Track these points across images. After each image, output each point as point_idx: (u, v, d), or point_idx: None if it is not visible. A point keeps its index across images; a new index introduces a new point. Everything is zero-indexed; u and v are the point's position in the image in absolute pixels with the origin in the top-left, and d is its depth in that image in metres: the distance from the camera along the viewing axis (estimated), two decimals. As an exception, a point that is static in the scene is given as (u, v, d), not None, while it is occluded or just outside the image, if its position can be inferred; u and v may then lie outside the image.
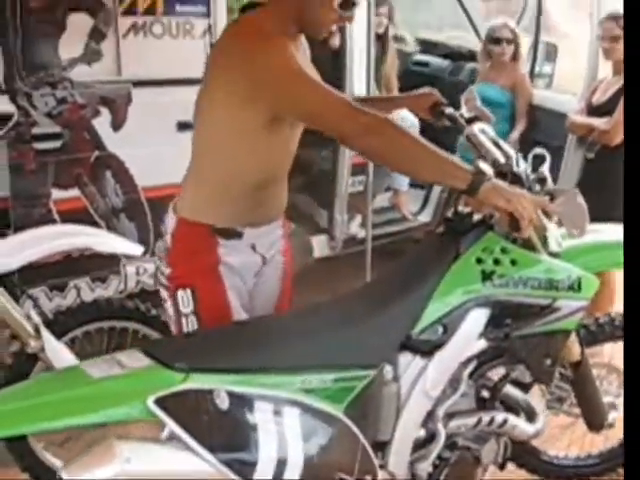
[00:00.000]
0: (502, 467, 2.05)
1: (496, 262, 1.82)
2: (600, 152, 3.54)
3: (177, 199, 2.01)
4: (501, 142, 1.99)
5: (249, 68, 1.75)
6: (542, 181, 1.87)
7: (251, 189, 1.93)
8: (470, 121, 2.09)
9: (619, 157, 3.43)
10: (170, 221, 1.99)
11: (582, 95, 3.85)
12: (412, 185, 4.56)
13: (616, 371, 2.60)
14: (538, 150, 1.99)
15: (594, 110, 3.59)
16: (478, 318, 1.81)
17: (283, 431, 1.50)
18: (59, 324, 2.56)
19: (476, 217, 1.88)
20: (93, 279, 3.22)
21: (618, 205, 3.36)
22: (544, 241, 1.88)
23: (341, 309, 1.85)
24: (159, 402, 1.40)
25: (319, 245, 4.12)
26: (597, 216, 2.46)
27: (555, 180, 3.85)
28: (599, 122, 3.48)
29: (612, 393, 2.55)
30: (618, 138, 3.37)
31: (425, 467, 1.83)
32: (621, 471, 2.84)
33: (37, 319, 2.50)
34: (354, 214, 4.20)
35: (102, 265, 3.19)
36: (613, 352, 2.78)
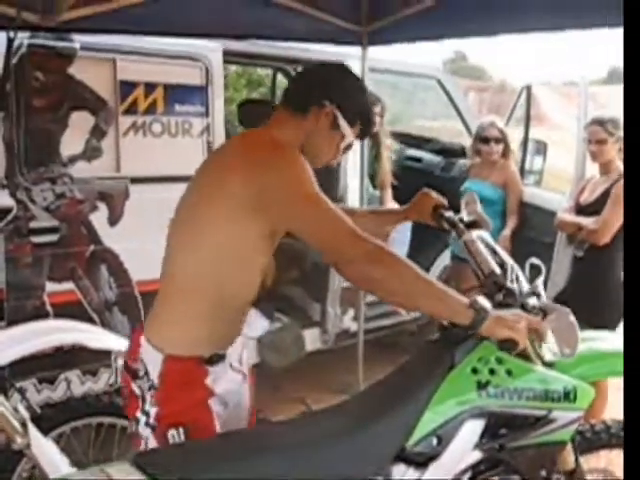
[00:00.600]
0: None
1: (492, 372, 1.81)
2: (589, 250, 3.58)
3: (151, 333, 1.88)
4: (498, 250, 2.02)
5: (259, 178, 1.74)
6: (535, 295, 1.89)
7: (240, 308, 1.93)
8: (469, 226, 2.12)
9: (607, 256, 3.51)
10: (151, 357, 1.86)
11: (570, 194, 3.93)
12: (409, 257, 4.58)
13: (612, 477, 2.56)
14: (534, 260, 2.03)
15: (582, 209, 3.66)
16: (473, 429, 1.79)
17: None
18: (47, 419, 2.54)
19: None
20: (84, 372, 3.22)
21: (608, 305, 3.43)
22: (538, 352, 1.88)
23: (332, 421, 1.81)
24: None
25: (312, 338, 4.13)
26: (587, 315, 2.50)
27: (547, 276, 3.91)
28: (587, 221, 3.55)
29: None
30: (606, 237, 3.43)
31: None
32: None
33: (24, 414, 2.48)
34: (347, 308, 4.23)
35: (93, 358, 3.19)
36: (610, 458, 2.76)
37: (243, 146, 1.89)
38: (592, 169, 3.87)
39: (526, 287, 1.90)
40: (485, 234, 2.08)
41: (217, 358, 1.90)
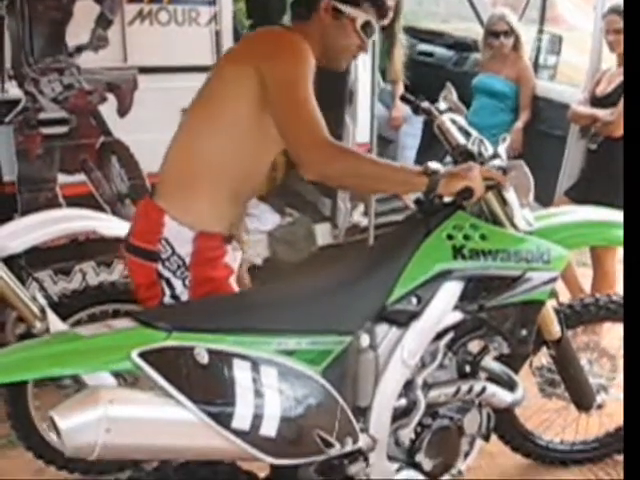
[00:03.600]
0: (487, 438, 2.13)
1: (466, 237, 1.93)
2: (603, 143, 3.55)
3: (178, 212, 1.90)
4: (467, 128, 2.14)
5: (264, 63, 1.83)
6: (496, 157, 2.03)
7: (253, 190, 2.04)
8: (443, 113, 2.19)
9: (622, 148, 3.47)
10: (177, 236, 1.89)
11: (585, 86, 3.86)
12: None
13: (607, 354, 2.65)
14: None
15: (598, 101, 3.60)
16: (451, 290, 1.91)
17: (260, 387, 1.58)
18: (64, 306, 2.61)
19: (446, 199, 1.98)
20: (98, 263, 3.28)
21: (621, 197, 3.42)
22: (512, 220, 2.02)
23: (318, 281, 1.94)
24: (142, 356, 1.48)
25: (322, 233, 4.16)
26: (600, 205, 2.53)
27: (558, 169, 3.90)
28: (603, 113, 3.50)
29: (603, 376, 2.61)
30: (621, 130, 3.38)
31: (407, 433, 1.91)
32: (616, 457, 2.89)
33: (43, 301, 2.55)
34: (357, 203, 4.23)
35: (107, 250, 3.22)
36: (605, 335, 2.84)
37: (257, 37, 2.00)
38: (608, 62, 3.80)
39: (490, 151, 2.04)
40: (458, 117, 2.18)
41: (231, 238, 1.98)
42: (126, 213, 3.25)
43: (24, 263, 2.90)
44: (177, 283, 1.91)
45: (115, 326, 1.60)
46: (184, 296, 1.92)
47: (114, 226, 2.64)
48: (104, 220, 2.69)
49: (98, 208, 3.13)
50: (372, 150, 4.05)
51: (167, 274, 1.90)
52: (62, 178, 3.14)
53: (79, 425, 1.41)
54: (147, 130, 3.18)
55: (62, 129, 3.11)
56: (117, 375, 2.22)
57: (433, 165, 1.85)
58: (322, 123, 1.80)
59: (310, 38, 1.92)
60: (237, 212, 2.01)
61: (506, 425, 2.66)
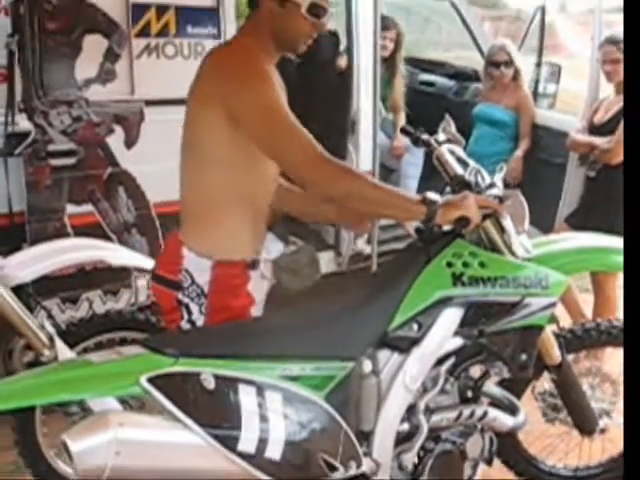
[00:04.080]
0: (489, 462, 2.15)
1: (465, 265, 1.98)
2: (602, 171, 3.60)
3: (195, 243, 1.97)
4: (465, 158, 2.19)
5: (229, 97, 1.83)
6: (492, 186, 2.07)
7: (265, 211, 2.06)
8: (442, 144, 2.24)
9: (620, 176, 3.52)
10: (196, 267, 1.95)
11: (583, 114, 3.92)
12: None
13: (609, 379, 2.67)
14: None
15: (596, 129, 3.66)
16: (451, 316, 1.95)
17: (265, 412, 1.62)
18: (72, 335, 2.64)
19: (445, 227, 2.02)
20: (105, 292, 3.32)
21: (620, 224, 3.46)
22: (509, 247, 2.07)
23: (321, 309, 2.01)
24: (151, 381, 1.52)
25: (326, 261, 4.19)
26: (600, 231, 2.57)
27: (558, 197, 3.95)
28: (600, 141, 3.56)
29: (605, 400, 2.63)
30: (619, 157, 3.44)
31: (410, 458, 1.94)
32: (621, 483, 2.89)
33: (51, 329, 2.59)
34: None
35: (114, 278, 3.29)
36: (607, 360, 2.86)
37: (215, 62, 1.95)
38: (606, 91, 3.86)
39: (487, 180, 2.09)
40: (457, 148, 2.23)
41: (255, 264, 2.02)
42: (132, 243, 3.31)
43: (32, 292, 2.95)
44: (195, 309, 1.97)
45: (124, 353, 1.65)
46: (200, 322, 1.97)
47: (121, 255, 2.69)
48: (112, 250, 2.75)
49: (105, 238, 3.18)
50: (374, 178, 4.11)
51: (186, 300, 1.97)
52: (70, 208, 3.20)
53: (90, 448, 1.45)
54: (153, 161, 3.25)
55: (70, 160, 3.17)
56: (123, 401, 2.26)
57: (431, 195, 1.90)
58: (311, 138, 1.83)
59: (261, 28, 1.93)
60: (255, 235, 2.03)
61: (509, 450, 2.67)
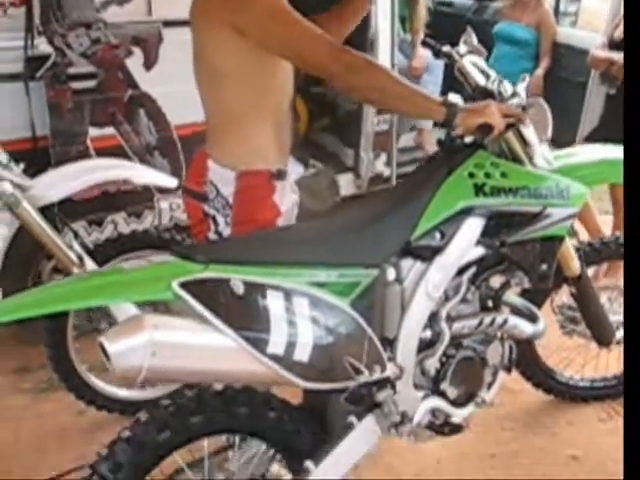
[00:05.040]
0: (509, 370, 2.20)
1: (487, 176, 1.99)
2: (622, 88, 3.55)
3: (219, 154, 2.00)
4: (487, 69, 2.17)
5: (235, 15, 1.80)
6: (515, 95, 2.06)
7: (287, 119, 2.04)
8: (464, 56, 2.23)
9: (641, 92, 3.48)
10: (221, 178, 1.99)
11: (604, 30, 3.86)
12: (435, 125, 4.61)
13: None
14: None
15: (616, 45, 3.59)
16: (473, 226, 1.98)
17: (293, 316, 1.66)
18: (100, 254, 2.70)
19: (467, 139, 2.04)
20: (129, 214, 3.37)
21: None
22: (531, 158, 2.09)
23: (346, 218, 2.01)
24: (182, 286, 1.56)
25: (345, 183, 4.22)
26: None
27: (579, 116, 3.92)
28: (620, 57, 3.50)
29: (622, 313, 2.68)
30: (640, 72, 3.39)
31: (432, 363, 2.00)
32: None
33: (79, 249, 2.65)
34: (379, 153, 4.28)
35: (137, 201, 3.34)
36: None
37: None
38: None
39: (509, 90, 2.07)
40: (478, 60, 2.21)
41: (281, 174, 2.03)
42: (155, 165, 3.34)
43: (59, 214, 3.01)
44: (221, 220, 2.03)
45: (154, 260, 1.69)
46: (226, 233, 2.03)
47: (145, 174, 2.73)
48: (135, 169, 2.78)
49: (128, 160, 3.21)
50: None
51: (212, 212, 2.03)
52: (93, 131, 3.22)
53: (127, 349, 1.50)
54: (173, 83, 3.23)
55: (91, 83, 3.17)
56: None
57: (453, 97, 1.90)
58: (324, 32, 1.83)
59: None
60: (278, 145, 2.03)
61: (528, 362, 2.75)
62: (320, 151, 4.38)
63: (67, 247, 2.59)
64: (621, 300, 2.70)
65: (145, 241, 2.78)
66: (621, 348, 2.74)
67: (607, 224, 3.91)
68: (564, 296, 2.71)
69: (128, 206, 3.35)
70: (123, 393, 2.88)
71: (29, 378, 3.16)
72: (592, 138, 3.71)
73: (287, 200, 2.06)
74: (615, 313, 2.67)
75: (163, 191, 3.32)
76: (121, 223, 3.36)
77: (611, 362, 2.88)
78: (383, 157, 4.28)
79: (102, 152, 3.18)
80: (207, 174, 2.02)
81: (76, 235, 2.83)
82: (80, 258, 2.59)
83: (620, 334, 2.65)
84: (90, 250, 2.70)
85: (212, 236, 2.06)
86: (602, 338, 2.64)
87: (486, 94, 2.05)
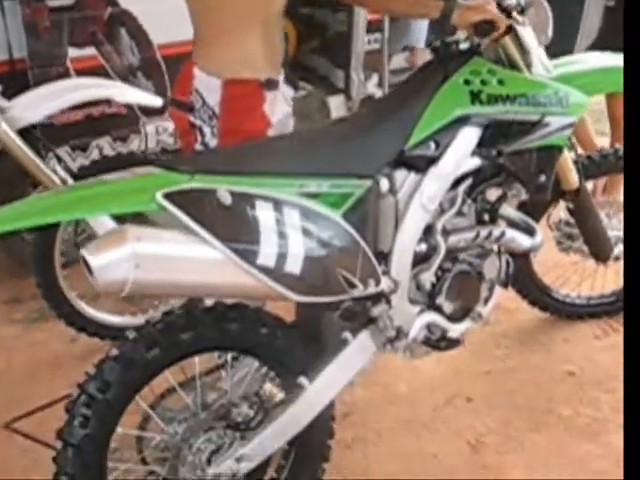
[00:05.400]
0: (505, 285, 2.17)
1: (483, 83, 1.92)
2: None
3: (205, 62, 1.93)
4: None
5: None
6: None
7: (278, 26, 1.95)
8: None
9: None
10: (207, 86, 1.92)
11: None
12: (429, 45, 4.49)
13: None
14: None
15: (618, -46, 3.46)
16: (469, 135, 1.91)
17: (284, 227, 1.60)
18: (85, 178, 2.59)
19: (462, 45, 1.96)
20: (114, 138, 3.29)
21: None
22: (529, 65, 2.01)
23: (337, 128, 1.95)
24: (167, 197, 1.49)
25: (336, 106, 4.12)
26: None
27: (577, 30, 3.81)
28: (622, -33, 3.37)
29: (621, 229, 2.64)
30: (640, -18, 3.27)
31: (428, 277, 1.95)
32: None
33: (63, 173, 2.58)
34: (371, 74, 4.17)
35: (122, 124, 3.25)
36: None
37: None
38: None
39: None
40: None
41: (272, 84, 1.94)
42: (139, 86, 3.22)
43: (43, 139, 2.92)
44: (207, 131, 1.95)
45: (138, 172, 1.62)
46: (213, 144, 1.96)
47: (129, 94, 2.64)
48: (119, 88, 2.68)
49: (110, 81, 3.10)
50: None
51: (198, 122, 1.96)
52: (72, 52, 3.12)
53: (110, 262, 1.44)
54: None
55: (68, 0, 3.05)
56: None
57: None
58: None
59: None
60: (267, 53, 1.94)
61: (524, 280, 2.71)
62: (310, 73, 4.26)
63: (51, 171, 2.52)
64: (620, 216, 2.64)
65: (131, 163, 2.67)
66: (618, 265, 2.70)
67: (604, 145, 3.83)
68: (561, 212, 2.66)
69: (113, 130, 3.27)
70: (115, 319, 2.85)
71: (20, 309, 3.14)
72: (591, 50, 3.60)
73: (279, 111, 1.97)
74: (614, 229, 2.62)
75: (149, 114, 3.23)
76: (106, 148, 3.28)
77: (608, 279, 2.84)
78: (375, 78, 4.17)
79: (83, 73, 3.08)
80: (193, 83, 1.94)
81: (60, 160, 2.75)
82: (64, 182, 2.52)
83: (618, 250, 2.60)
84: (75, 174, 2.63)
85: (199, 148, 1.98)
86: (600, 254, 2.59)
87: None
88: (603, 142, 3.85)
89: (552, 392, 2.60)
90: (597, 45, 3.58)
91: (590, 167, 2.51)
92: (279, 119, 1.97)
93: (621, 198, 2.73)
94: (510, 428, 2.45)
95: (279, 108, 1.97)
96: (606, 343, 2.84)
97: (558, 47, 2.32)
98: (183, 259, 1.53)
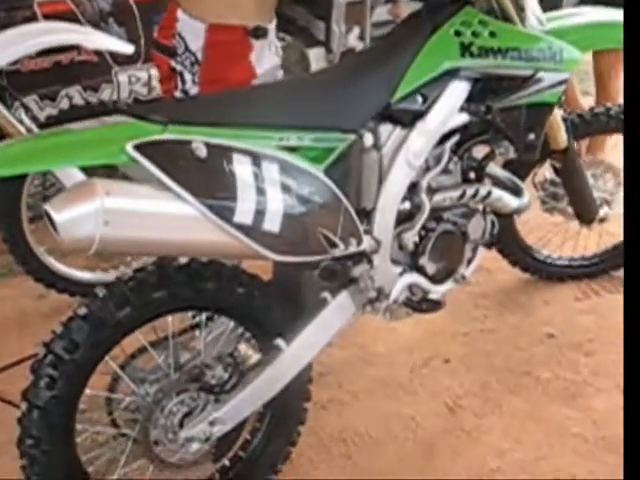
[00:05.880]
0: (490, 246, 2.13)
1: (475, 34, 1.84)
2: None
3: (189, 4, 1.84)
4: None
5: None
6: None
7: None
8: None
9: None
10: (191, 30, 1.84)
11: None
12: (413, -4, 4.37)
13: (612, 170, 2.61)
14: None
15: None
16: (458, 89, 1.84)
17: (262, 183, 1.52)
18: (52, 127, 2.51)
19: None
20: (85, 87, 3.16)
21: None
22: (522, 18, 1.93)
23: (320, 78, 1.87)
24: (138, 149, 1.40)
25: (316, 58, 3.98)
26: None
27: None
28: None
29: (607, 191, 2.59)
30: None
31: (411, 237, 1.88)
32: (613, 273, 2.92)
33: (30, 123, 2.48)
34: (352, 26, 4.03)
35: (93, 73, 3.13)
36: (610, 150, 2.80)
37: None
38: None
39: None
40: None
41: (260, 32, 1.86)
42: (111, 33, 3.08)
43: (7, 87, 2.79)
44: (188, 78, 1.87)
45: (107, 121, 1.51)
46: (193, 92, 1.87)
47: (97, 39, 2.51)
48: (89, 34, 2.55)
49: (80, 26, 2.96)
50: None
51: (180, 68, 1.87)
52: (40, -5, 2.97)
53: (76, 217, 1.35)
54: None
55: (35, -61, 2.90)
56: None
57: None
58: None
59: None
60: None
61: (506, 238, 2.65)
62: (289, 24, 4.10)
63: (17, 121, 2.40)
64: (607, 176, 2.59)
65: (102, 113, 2.56)
66: (601, 227, 2.66)
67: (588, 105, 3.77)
68: (546, 171, 2.60)
69: (84, 79, 3.15)
70: (85, 275, 2.77)
71: (-14, 264, 3.04)
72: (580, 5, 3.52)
73: (266, 61, 1.89)
74: (599, 190, 2.57)
75: (121, 63, 3.10)
76: (76, 97, 3.16)
77: (590, 241, 2.80)
78: (356, 31, 4.03)
79: (51, 18, 2.94)
80: (176, 26, 1.85)
81: (27, 110, 2.64)
82: (30, 132, 2.41)
83: (603, 212, 2.56)
84: (42, 124, 2.52)
85: (178, 95, 1.89)
86: (585, 215, 2.54)
87: None
88: (588, 101, 3.81)
89: (531, 354, 2.57)
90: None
91: (580, 126, 2.44)
92: (266, 70, 1.88)
93: (607, 158, 2.67)
94: (488, 390, 2.42)
95: (267, 58, 1.89)
96: (586, 305, 2.81)
97: (545, 4, 2.25)
98: (155, 215, 1.44)
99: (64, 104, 3.11)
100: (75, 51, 2.94)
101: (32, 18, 2.94)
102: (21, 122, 2.45)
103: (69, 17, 2.99)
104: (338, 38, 4.02)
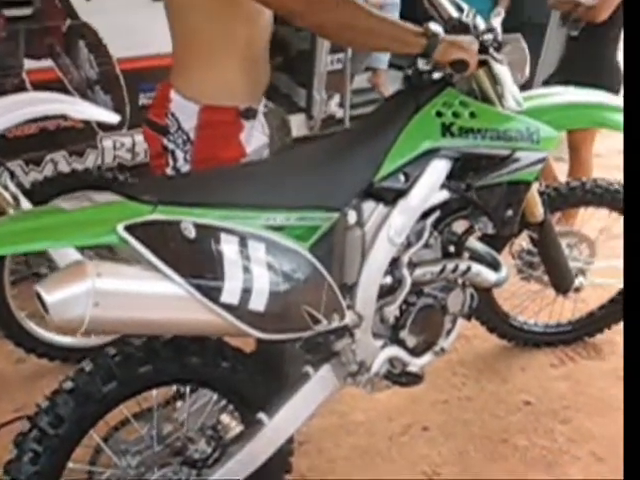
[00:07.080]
0: (469, 318, 2.16)
1: (455, 115, 1.88)
2: (585, 29, 3.48)
3: (183, 86, 1.86)
4: (459, 1, 2.00)
5: None
6: (491, 30, 1.92)
7: (262, 57, 1.90)
8: None
9: (603, 34, 3.42)
10: (184, 111, 1.85)
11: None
12: (391, 65, 4.50)
13: (586, 240, 2.69)
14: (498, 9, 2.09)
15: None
16: (439, 168, 1.88)
17: (249, 262, 1.55)
18: (37, 194, 2.53)
19: (435, 75, 1.91)
20: (70, 153, 3.19)
21: (601, 77, 3.37)
22: (501, 98, 1.97)
23: (306, 157, 1.88)
24: (128, 230, 1.43)
25: (297, 124, 4.08)
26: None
27: (537, 59, 3.84)
28: (585, -1, 3.42)
29: (582, 260, 2.66)
30: (604, 14, 3.32)
31: (392, 311, 1.92)
32: (587, 340, 2.98)
33: (15, 189, 2.49)
34: (333, 94, 4.15)
35: (79, 139, 3.16)
36: (585, 221, 2.88)
37: None
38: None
39: (483, 25, 1.93)
40: None
41: (251, 113, 1.89)
42: (97, 101, 3.15)
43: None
44: (180, 156, 1.89)
45: (96, 200, 1.54)
46: (185, 169, 1.89)
47: (84, 110, 2.55)
48: (76, 104, 2.60)
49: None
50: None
51: (172, 146, 1.89)
52: (29, 64, 3.01)
53: (67, 299, 1.37)
54: (115, 12, 3.04)
55: (26, 11, 2.95)
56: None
57: (434, 27, 1.77)
58: None
59: None
60: (249, 82, 1.88)
61: (484, 306, 2.70)
62: (272, 91, 4.20)
63: (2, 187, 2.42)
64: (581, 247, 2.67)
65: (86, 180, 2.62)
66: (576, 295, 2.72)
67: (561, 171, 3.88)
68: (523, 241, 2.67)
69: (69, 144, 3.16)
70: (65, 340, 2.76)
71: (-34, 327, 3.02)
72: (552, 81, 3.65)
73: (255, 141, 1.92)
74: (574, 260, 2.64)
75: (106, 129, 3.15)
76: (61, 162, 3.18)
77: (565, 308, 2.86)
78: (336, 98, 4.16)
79: (39, 86, 2.97)
80: (169, 106, 1.88)
81: (12, 175, 2.66)
82: (15, 198, 2.43)
83: (579, 281, 2.62)
84: (27, 190, 2.54)
85: (170, 172, 1.92)
86: (561, 285, 2.60)
87: (461, 28, 1.89)
88: (560, 168, 3.92)
89: (508, 422, 2.60)
90: (559, 75, 3.63)
91: (557, 199, 2.52)
92: (254, 149, 1.92)
93: (579, 229, 2.75)
94: (466, 458, 2.45)
95: (255, 138, 1.92)
96: (561, 372, 2.86)
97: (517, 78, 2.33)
98: (144, 296, 1.46)
99: (49, 169, 3.14)
100: (61, 118, 2.98)
101: (21, 85, 2.98)
102: (6, 188, 2.46)
103: (57, 85, 3.04)
104: (319, 105, 4.14)
